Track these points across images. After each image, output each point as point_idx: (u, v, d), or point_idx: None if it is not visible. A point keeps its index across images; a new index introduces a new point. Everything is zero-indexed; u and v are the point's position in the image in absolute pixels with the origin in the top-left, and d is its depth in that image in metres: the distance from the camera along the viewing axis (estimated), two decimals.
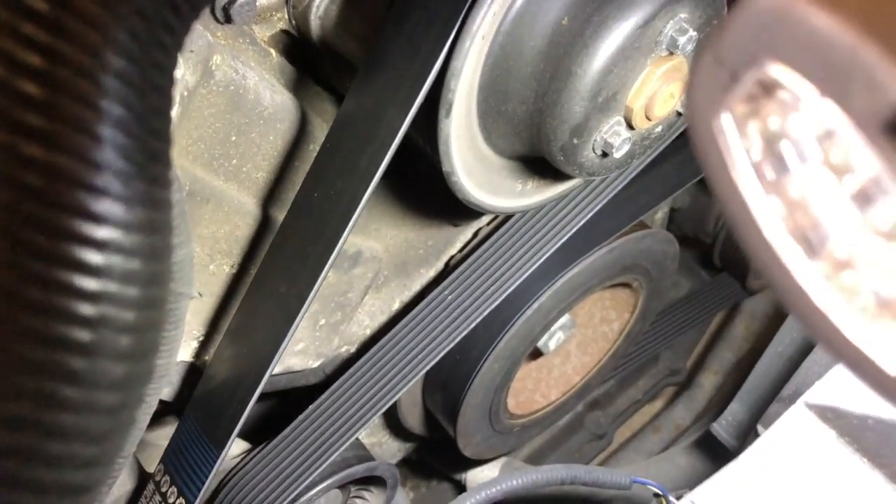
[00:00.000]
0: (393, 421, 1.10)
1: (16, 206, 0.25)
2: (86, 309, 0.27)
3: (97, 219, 0.27)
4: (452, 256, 0.97)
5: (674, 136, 0.83)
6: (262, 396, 0.91)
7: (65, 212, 0.26)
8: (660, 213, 1.28)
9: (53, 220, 0.26)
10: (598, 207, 0.85)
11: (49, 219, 0.26)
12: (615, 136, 0.63)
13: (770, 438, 0.50)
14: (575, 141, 0.62)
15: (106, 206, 0.27)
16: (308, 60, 0.68)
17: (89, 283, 0.27)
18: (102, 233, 0.27)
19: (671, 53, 0.61)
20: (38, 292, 0.26)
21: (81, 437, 0.29)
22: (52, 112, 0.25)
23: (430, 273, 0.95)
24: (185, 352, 0.76)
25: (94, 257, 0.27)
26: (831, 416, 0.48)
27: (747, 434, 0.95)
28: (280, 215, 0.68)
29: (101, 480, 0.31)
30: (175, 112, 0.55)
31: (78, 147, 0.26)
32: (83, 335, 0.27)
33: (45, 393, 0.27)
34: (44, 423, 0.28)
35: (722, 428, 0.96)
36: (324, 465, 0.85)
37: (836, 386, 0.49)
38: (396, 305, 0.95)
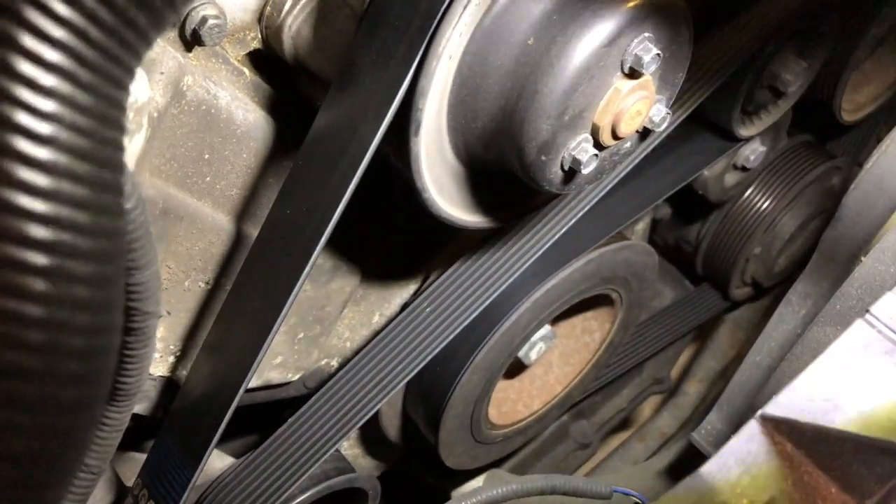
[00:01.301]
0: (374, 433, 1.11)
1: None
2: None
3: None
4: (432, 267, 0.97)
5: (645, 152, 0.84)
6: (248, 410, 0.92)
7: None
8: (641, 224, 1.29)
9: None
10: (572, 221, 0.86)
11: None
12: (583, 152, 0.64)
13: (728, 452, 0.51)
14: (543, 158, 0.63)
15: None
16: (282, 78, 0.69)
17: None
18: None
19: (636, 72, 0.62)
20: None
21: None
22: None
23: (411, 286, 0.96)
24: (162, 367, 0.77)
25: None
26: (786, 429, 0.49)
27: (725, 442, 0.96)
28: (254, 231, 0.69)
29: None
30: (144, 134, 0.56)
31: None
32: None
33: None
34: None
35: (701, 437, 0.96)
36: (303, 478, 0.85)
37: (793, 399, 0.50)
38: (376, 318, 0.96)
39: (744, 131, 1.04)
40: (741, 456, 0.50)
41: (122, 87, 0.31)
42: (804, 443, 0.48)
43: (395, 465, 1.23)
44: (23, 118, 0.27)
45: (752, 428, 0.50)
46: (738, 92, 0.96)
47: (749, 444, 0.50)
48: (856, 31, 1.07)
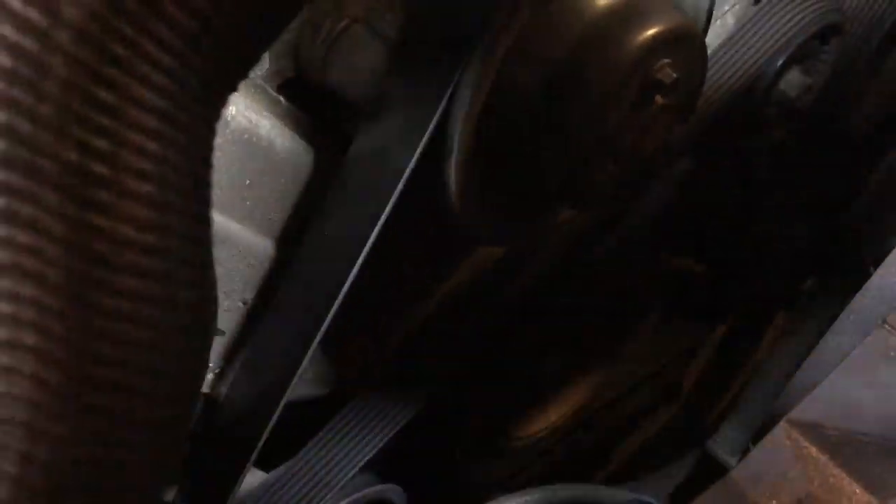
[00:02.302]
0: None
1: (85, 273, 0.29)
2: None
3: None
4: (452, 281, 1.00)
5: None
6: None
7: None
8: None
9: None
10: None
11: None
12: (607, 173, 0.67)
13: (756, 456, 0.54)
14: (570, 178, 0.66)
15: None
16: (316, 106, 0.72)
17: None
18: None
19: (656, 96, 0.65)
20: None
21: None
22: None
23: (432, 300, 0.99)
24: (203, 384, 0.80)
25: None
26: (811, 434, 0.52)
27: (743, 451, 0.98)
28: (293, 253, 0.72)
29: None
30: None
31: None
32: None
33: None
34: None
35: (717, 446, 0.99)
36: (334, 490, 0.88)
37: (817, 404, 0.53)
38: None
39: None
40: (769, 460, 0.53)
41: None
42: (829, 446, 0.51)
43: None
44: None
45: (778, 433, 0.53)
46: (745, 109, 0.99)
47: (776, 448, 0.53)
48: (860, 47, 1.11)
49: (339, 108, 0.72)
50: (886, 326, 0.54)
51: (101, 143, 0.28)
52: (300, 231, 0.71)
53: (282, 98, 0.71)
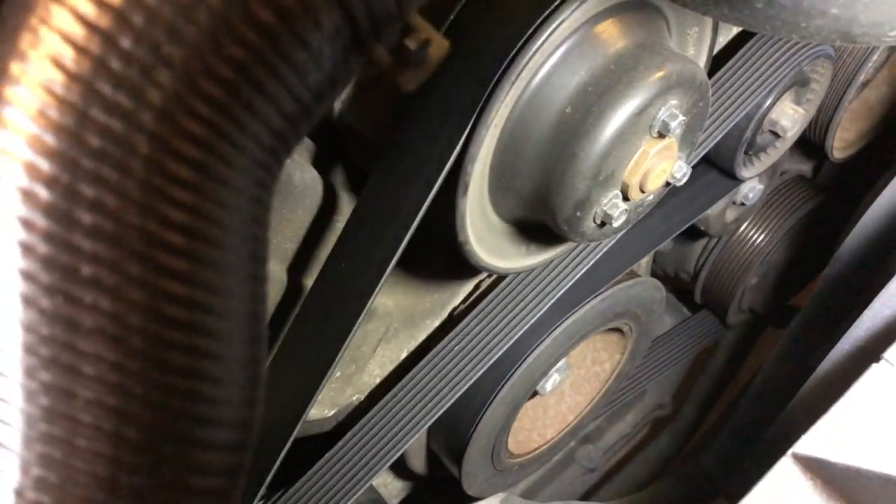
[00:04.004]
0: (397, 462, 1.15)
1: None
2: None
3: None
4: (456, 307, 1.02)
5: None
6: None
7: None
8: (646, 258, 1.35)
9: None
10: (591, 264, 0.92)
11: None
12: (614, 208, 0.70)
13: (761, 490, 0.56)
14: (578, 214, 0.68)
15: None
16: (331, 140, 0.74)
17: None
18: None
19: (662, 135, 0.67)
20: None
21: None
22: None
23: (436, 323, 1.01)
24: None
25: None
26: (817, 467, 0.54)
27: (733, 468, 1.01)
28: (308, 282, 0.73)
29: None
30: None
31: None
32: None
33: None
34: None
35: (710, 462, 1.02)
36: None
37: (821, 438, 0.56)
38: (404, 354, 1.00)
39: (745, 173, 1.11)
40: (775, 493, 0.55)
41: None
42: (834, 480, 0.54)
43: (413, 492, 1.27)
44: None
45: (784, 466, 0.55)
46: (740, 139, 1.03)
47: (783, 481, 0.55)
48: (846, 77, 1.14)
49: (354, 142, 0.74)
50: (883, 362, 0.56)
51: (178, 215, 0.30)
52: (316, 260, 0.73)
53: None
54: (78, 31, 0.28)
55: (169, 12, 0.29)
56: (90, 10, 0.28)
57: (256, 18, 0.30)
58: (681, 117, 0.67)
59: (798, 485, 0.54)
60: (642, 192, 0.71)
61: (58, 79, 0.28)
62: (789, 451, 0.55)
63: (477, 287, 1.02)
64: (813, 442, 0.55)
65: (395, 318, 0.94)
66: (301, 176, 0.70)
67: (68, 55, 0.28)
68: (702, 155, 0.95)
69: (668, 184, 0.74)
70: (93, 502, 0.30)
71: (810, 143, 1.25)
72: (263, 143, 0.33)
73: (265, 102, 0.32)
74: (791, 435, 0.58)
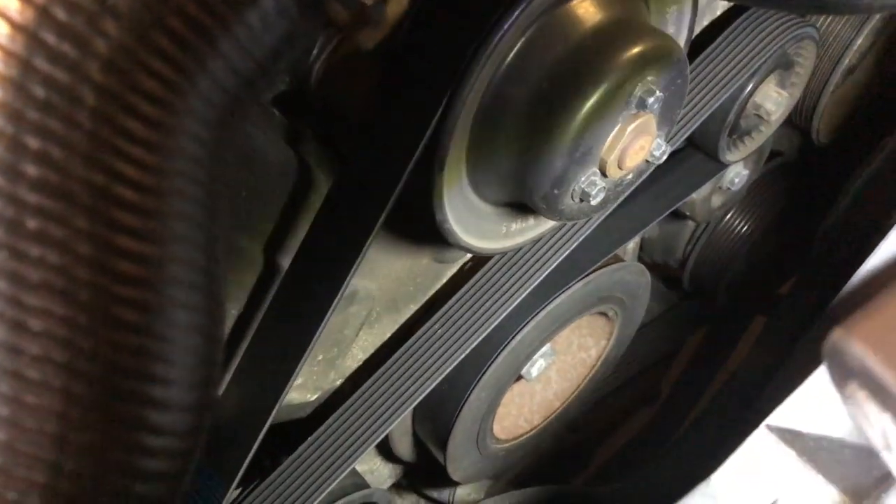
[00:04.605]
0: (384, 448, 1.15)
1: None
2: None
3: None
4: (440, 290, 1.02)
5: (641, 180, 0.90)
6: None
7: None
8: (632, 244, 1.34)
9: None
10: (575, 245, 0.92)
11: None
12: (592, 185, 0.69)
13: (736, 460, 0.56)
14: (555, 191, 0.68)
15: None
16: (309, 119, 0.74)
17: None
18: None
19: (640, 112, 0.67)
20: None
21: None
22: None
23: (419, 307, 1.01)
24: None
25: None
26: (790, 438, 0.54)
27: (721, 454, 1.01)
28: (285, 262, 0.73)
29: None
30: None
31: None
32: None
33: None
34: None
35: (697, 448, 1.02)
36: (324, 495, 0.89)
37: (795, 410, 0.56)
38: (387, 338, 1.00)
39: (730, 157, 1.10)
40: (749, 463, 0.55)
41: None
42: (806, 450, 0.54)
43: (401, 478, 1.27)
44: None
45: (759, 437, 0.55)
46: (724, 122, 1.02)
47: (756, 452, 0.55)
48: (831, 61, 1.14)
49: (332, 121, 0.73)
50: None
51: (125, 168, 0.30)
52: (294, 240, 0.72)
53: (275, 111, 0.72)
54: None
55: None
56: None
57: None
58: (658, 93, 0.67)
59: (772, 455, 0.54)
60: (621, 169, 0.70)
61: (1, 30, 0.28)
62: (763, 423, 0.55)
63: (460, 270, 1.02)
64: (787, 414, 0.55)
65: (378, 302, 0.93)
66: (277, 154, 0.69)
67: (13, 5, 0.28)
68: (684, 137, 0.95)
69: (648, 163, 0.74)
70: (42, 461, 0.29)
71: (796, 127, 1.25)
72: (215, 101, 0.32)
73: (216, 56, 0.32)
74: (768, 410, 0.58)
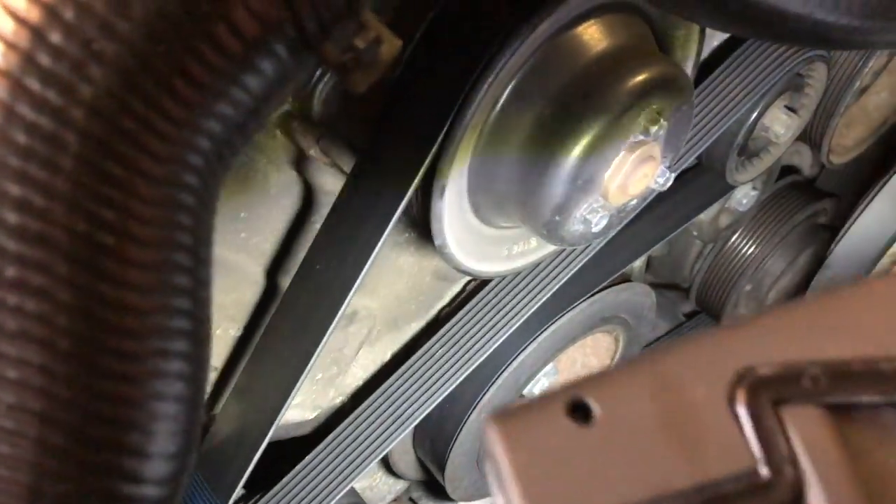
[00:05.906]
0: (384, 465, 1.14)
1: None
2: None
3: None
4: (442, 309, 1.01)
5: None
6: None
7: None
8: (638, 262, 1.33)
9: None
10: (577, 267, 0.91)
11: None
12: (594, 212, 0.69)
13: None
14: (557, 218, 0.68)
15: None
16: (311, 140, 0.73)
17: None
18: None
19: (644, 140, 0.66)
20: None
21: None
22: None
23: (420, 326, 1.00)
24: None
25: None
26: None
27: None
28: (285, 283, 0.73)
29: None
30: None
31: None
32: None
33: None
34: None
35: None
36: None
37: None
38: (388, 357, 1.00)
39: (738, 178, 1.09)
40: None
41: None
42: None
43: (401, 494, 1.27)
44: None
45: None
46: (732, 143, 1.01)
47: None
48: (843, 82, 1.13)
49: (332, 142, 0.73)
50: None
51: (108, 214, 0.30)
52: (293, 261, 0.72)
53: (278, 131, 0.72)
54: (6, 25, 0.28)
55: (101, 6, 0.28)
56: (20, 4, 0.28)
57: (194, 12, 0.29)
58: (662, 121, 0.66)
59: None
60: (623, 196, 0.70)
61: None
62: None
63: (463, 290, 1.01)
64: None
65: (379, 321, 0.93)
66: (278, 176, 0.69)
67: None
68: (690, 160, 0.94)
69: (652, 189, 0.73)
70: None
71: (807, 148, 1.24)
72: (203, 146, 0.32)
73: (204, 102, 0.31)
74: None
